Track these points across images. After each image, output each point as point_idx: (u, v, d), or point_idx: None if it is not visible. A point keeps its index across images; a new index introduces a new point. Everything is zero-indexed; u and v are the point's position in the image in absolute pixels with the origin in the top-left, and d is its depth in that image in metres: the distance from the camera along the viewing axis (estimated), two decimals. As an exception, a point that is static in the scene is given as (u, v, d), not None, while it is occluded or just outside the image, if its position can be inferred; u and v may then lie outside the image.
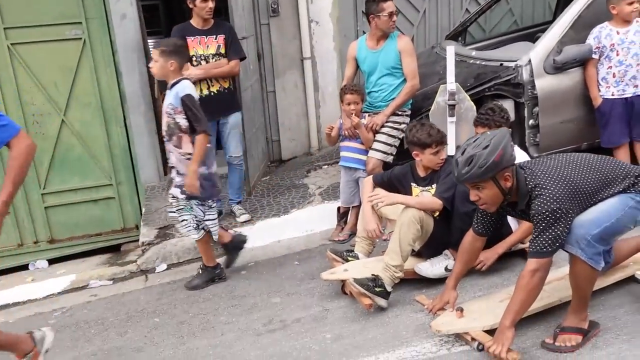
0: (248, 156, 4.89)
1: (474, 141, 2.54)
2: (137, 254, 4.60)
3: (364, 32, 6.58)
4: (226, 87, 4.51)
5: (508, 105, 4.44)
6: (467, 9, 6.55)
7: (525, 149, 4.53)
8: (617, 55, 4.25)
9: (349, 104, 4.14)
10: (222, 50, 4.45)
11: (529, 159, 3.39)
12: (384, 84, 4.25)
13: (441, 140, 3.44)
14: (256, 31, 5.80)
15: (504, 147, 2.48)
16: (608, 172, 2.57)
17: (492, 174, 2.49)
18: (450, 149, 4.10)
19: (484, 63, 4.65)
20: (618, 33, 4.24)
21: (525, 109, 4.43)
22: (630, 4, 4.18)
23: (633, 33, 4.22)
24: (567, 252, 2.53)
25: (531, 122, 4.46)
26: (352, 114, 4.12)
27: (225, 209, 4.87)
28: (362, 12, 6.39)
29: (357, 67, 4.40)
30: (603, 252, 2.50)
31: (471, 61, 4.78)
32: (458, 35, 5.83)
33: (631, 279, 3.08)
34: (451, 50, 4.16)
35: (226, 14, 5.05)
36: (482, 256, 3.25)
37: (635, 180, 2.57)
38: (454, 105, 4.14)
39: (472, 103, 4.19)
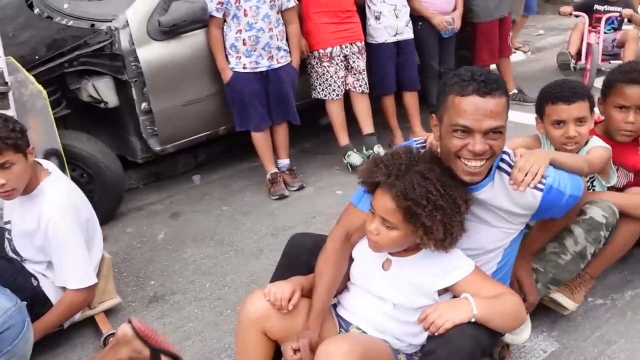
0: None
1: None
2: None
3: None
4: None
5: (105, 84, 3.18)
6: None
7: (144, 141, 3.38)
8: (246, 16, 3.22)
9: None
10: None
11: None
12: None
13: None
14: None
15: None
16: None
17: None
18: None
19: (71, 23, 3.24)
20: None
21: (134, 89, 3.20)
22: None
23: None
24: None
25: (144, 105, 3.26)
26: None
27: None
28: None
29: None
30: None
31: (58, 19, 3.33)
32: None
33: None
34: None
35: None
36: None
37: None
38: (5, 93, 2.70)
39: (40, 87, 2.82)
